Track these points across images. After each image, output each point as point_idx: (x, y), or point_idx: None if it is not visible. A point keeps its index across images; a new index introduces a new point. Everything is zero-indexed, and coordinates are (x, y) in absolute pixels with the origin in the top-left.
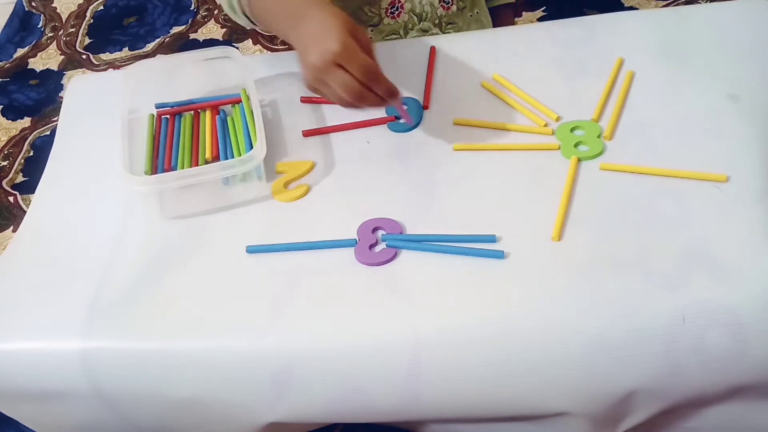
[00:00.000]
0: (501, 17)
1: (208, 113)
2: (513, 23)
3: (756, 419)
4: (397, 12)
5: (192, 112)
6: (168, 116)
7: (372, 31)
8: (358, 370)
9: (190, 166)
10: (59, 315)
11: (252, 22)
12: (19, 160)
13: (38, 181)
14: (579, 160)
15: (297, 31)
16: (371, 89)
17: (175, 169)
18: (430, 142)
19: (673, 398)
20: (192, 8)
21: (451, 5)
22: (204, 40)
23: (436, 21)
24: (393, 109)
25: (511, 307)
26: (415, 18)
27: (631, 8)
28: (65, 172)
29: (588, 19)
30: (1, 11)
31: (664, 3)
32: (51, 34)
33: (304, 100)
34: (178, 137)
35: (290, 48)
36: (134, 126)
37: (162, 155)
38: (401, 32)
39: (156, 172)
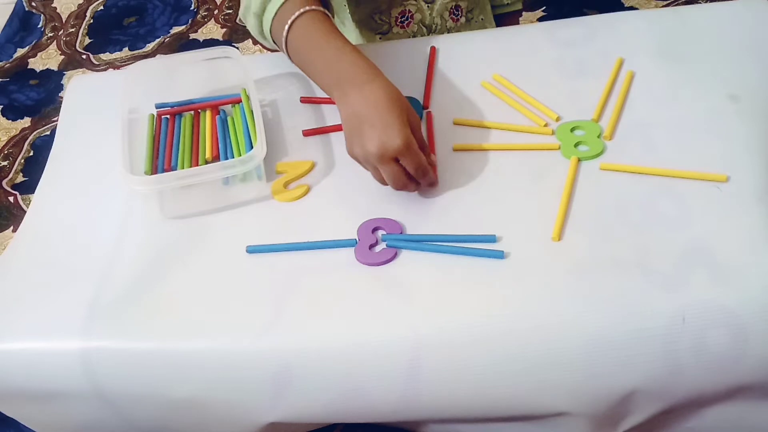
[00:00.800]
0: (507, 24)
1: (208, 113)
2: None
3: (756, 419)
4: (406, 22)
5: (192, 112)
6: (168, 116)
7: (380, 39)
8: (358, 370)
9: (190, 166)
10: (59, 315)
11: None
12: (19, 160)
13: (38, 181)
14: (579, 160)
15: (347, 98)
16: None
17: (175, 169)
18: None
19: (673, 398)
20: (192, 8)
21: (460, 17)
22: (204, 40)
23: (445, 33)
24: None
25: (511, 307)
26: (425, 29)
27: (631, 8)
28: (65, 172)
29: (588, 19)
30: (1, 11)
31: (664, 3)
32: (51, 34)
33: (304, 100)
34: (178, 137)
35: None
36: (134, 126)
37: (162, 155)
38: None
39: (156, 172)
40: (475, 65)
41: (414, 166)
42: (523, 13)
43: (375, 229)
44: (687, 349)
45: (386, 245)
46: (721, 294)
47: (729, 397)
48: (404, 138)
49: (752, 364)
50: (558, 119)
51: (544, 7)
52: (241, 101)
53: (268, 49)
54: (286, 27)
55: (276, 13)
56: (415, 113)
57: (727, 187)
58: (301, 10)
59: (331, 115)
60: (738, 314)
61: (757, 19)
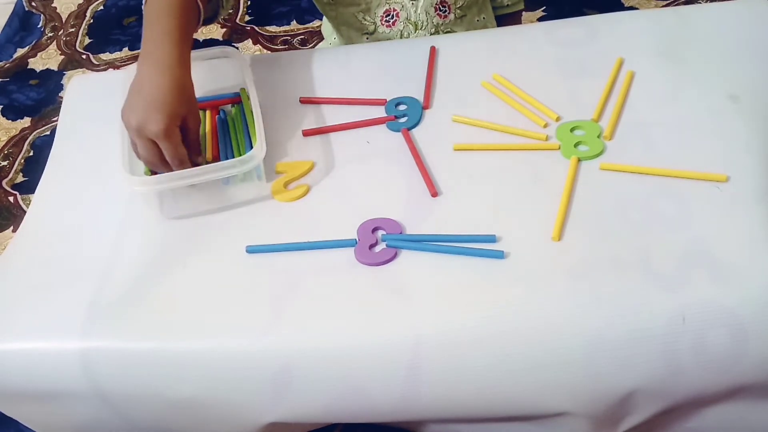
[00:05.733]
0: (508, 24)
1: (208, 113)
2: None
3: (756, 419)
4: (392, 20)
5: None
6: None
7: (367, 39)
8: (358, 370)
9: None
10: (59, 315)
11: None
12: (19, 160)
13: (38, 181)
14: (579, 160)
15: (142, 69)
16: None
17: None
18: (430, 142)
19: (673, 398)
20: None
21: (448, 13)
22: (204, 40)
23: (432, 30)
24: (392, 108)
25: (511, 307)
26: (411, 26)
27: (631, 8)
28: (65, 172)
29: (588, 19)
30: (1, 11)
31: (664, 3)
32: (51, 34)
33: (304, 100)
34: None
35: (290, 48)
36: None
37: None
38: None
39: (156, 173)
40: (475, 65)
41: (170, 155)
42: (524, 12)
43: (375, 229)
44: (687, 349)
45: (386, 245)
46: (721, 294)
47: (729, 397)
48: (164, 126)
49: (752, 364)
50: (558, 119)
51: (544, 7)
52: (241, 101)
53: (269, 49)
54: None
55: None
56: (197, 115)
57: (727, 187)
58: None
59: (331, 115)
60: (738, 314)
61: (757, 19)
